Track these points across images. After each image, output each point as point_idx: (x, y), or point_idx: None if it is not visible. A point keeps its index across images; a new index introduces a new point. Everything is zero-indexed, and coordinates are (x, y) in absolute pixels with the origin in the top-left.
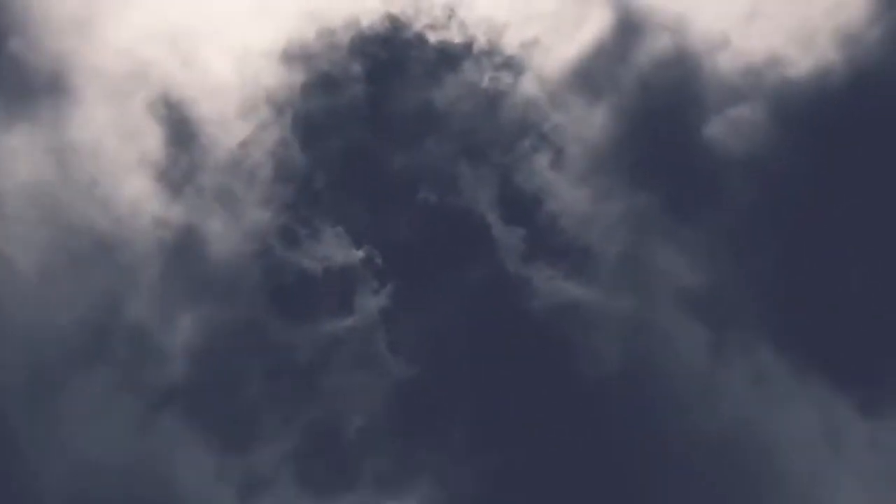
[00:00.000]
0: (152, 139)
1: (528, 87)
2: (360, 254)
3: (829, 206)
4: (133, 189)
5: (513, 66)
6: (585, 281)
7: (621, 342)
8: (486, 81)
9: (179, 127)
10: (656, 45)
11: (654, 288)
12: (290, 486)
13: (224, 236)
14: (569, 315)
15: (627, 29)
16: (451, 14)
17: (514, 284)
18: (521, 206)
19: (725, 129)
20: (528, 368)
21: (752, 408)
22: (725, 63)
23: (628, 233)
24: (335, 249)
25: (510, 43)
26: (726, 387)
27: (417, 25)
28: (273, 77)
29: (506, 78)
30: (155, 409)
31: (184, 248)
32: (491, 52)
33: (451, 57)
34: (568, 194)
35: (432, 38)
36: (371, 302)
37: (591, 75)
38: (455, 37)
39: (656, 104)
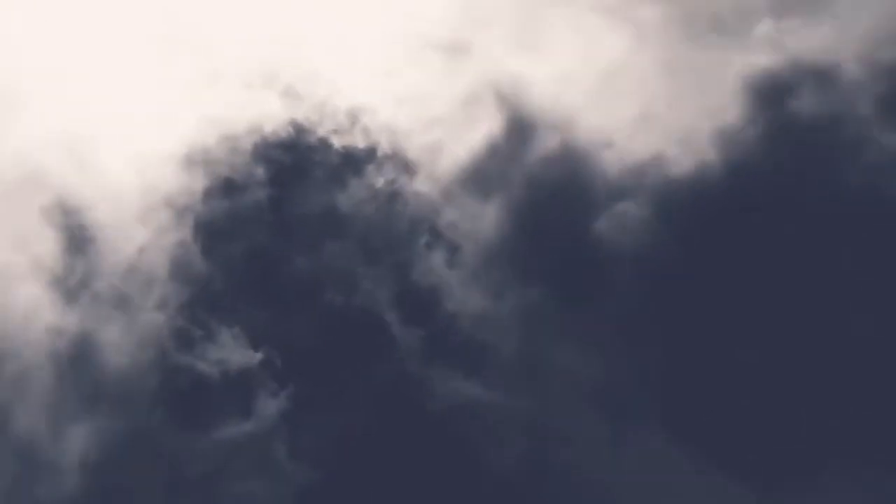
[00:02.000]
0: (47, 245)
1: (422, 186)
2: (259, 355)
3: (711, 296)
4: (26, 297)
5: (408, 166)
6: (484, 380)
7: (520, 440)
8: (381, 183)
9: (75, 232)
10: (545, 145)
11: (552, 384)
12: None
13: (119, 343)
14: (469, 414)
15: (517, 129)
16: (354, 120)
17: (414, 385)
18: (419, 305)
19: (612, 224)
20: (430, 467)
21: (649, 496)
22: (611, 161)
23: (523, 329)
24: (232, 352)
25: (412, 146)
26: (623, 475)
27: (321, 131)
28: (174, 182)
29: (401, 178)
30: None
31: (78, 357)
32: (394, 155)
33: (355, 161)
34: (464, 292)
35: (336, 142)
36: (270, 405)
37: (482, 174)
38: (359, 142)
39: (546, 201)
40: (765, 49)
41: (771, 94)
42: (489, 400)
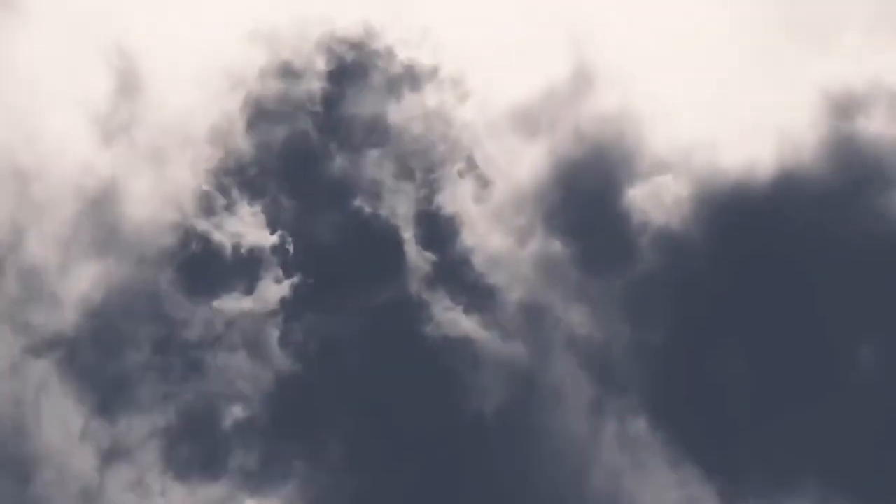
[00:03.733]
0: (97, 81)
1: (470, 111)
2: (273, 238)
3: (728, 293)
4: (65, 126)
5: (464, 91)
6: (485, 319)
7: (504, 386)
8: (434, 103)
9: (128, 76)
10: (601, 102)
11: (549, 339)
12: (153, 463)
13: (145, 196)
14: (460, 349)
15: (579, 79)
16: (425, 34)
17: (414, 307)
18: (438, 230)
19: (647, 194)
20: (411, 391)
21: (619, 474)
22: (663, 134)
23: (534, 279)
24: (249, 228)
25: (474, 72)
26: (599, 448)
27: (390, 38)
28: (234, 52)
29: (451, 100)
30: (34, 353)
31: (101, 198)
32: (455, 79)
33: (415, 76)
34: (484, 228)
35: (402, 53)
36: (273, 290)
37: (532, 115)
38: (424, 57)
39: (588, 157)
40: (848, 60)
41: (843, 105)
42: (484, 340)
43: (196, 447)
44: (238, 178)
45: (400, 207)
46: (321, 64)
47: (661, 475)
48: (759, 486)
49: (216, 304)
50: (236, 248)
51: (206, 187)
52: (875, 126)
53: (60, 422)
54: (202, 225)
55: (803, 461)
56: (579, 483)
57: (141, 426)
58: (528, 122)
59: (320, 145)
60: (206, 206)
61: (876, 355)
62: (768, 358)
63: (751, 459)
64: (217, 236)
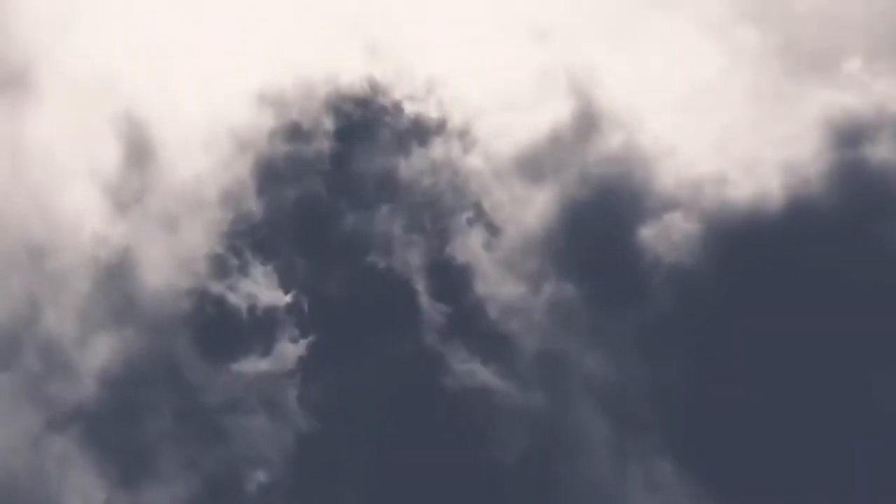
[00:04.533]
0: (108, 152)
1: (476, 160)
2: (287, 298)
3: (744, 327)
4: (78, 199)
5: (469, 140)
6: (502, 368)
7: (526, 434)
8: (443, 155)
9: (138, 145)
10: (607, 143)
11: (567, 384)
12: None
13: (159, 263)
14: (480, 400)
15: (583, 122)
16: (431, 88)
17: (431, 359)
18: (450, 281)
19: (658, 233)
20: (431, 444)
21: None
22: (670, 171)
23: (549, 324)
24: (262, 289)
25: (481, 124)
26: (625, 492)
27: (397, 93)
28: (242, 116)
29: (457, 150)
30: (54, 427)
31: (117, 268)
32: (463, 131)
33: (423, 130)
34: (496, 276)
35: (409, 108)
36: (289, 349)
37: (538, 160)
38: (432, 111)
39: (596, 198)
40: (850, 88)
41: (848, 134)
42: (503, 389)
43: None
44: (250, 240)
45: (412, 260)
46: (329, 123)
47: None
48: None
49: (234, 367)
50: (251, 309)
51: (218, 250)
52: (881, 152)
53: (83, 495)
54: (216, 288)
55: (832, 492)
56: None
57: (164, 496)
58: (534, 167)
59: (331, 204)
60: (220, 269)
61: (893, 383)
62: (789, 389)
63: (780, 494)
64: (232, 298)
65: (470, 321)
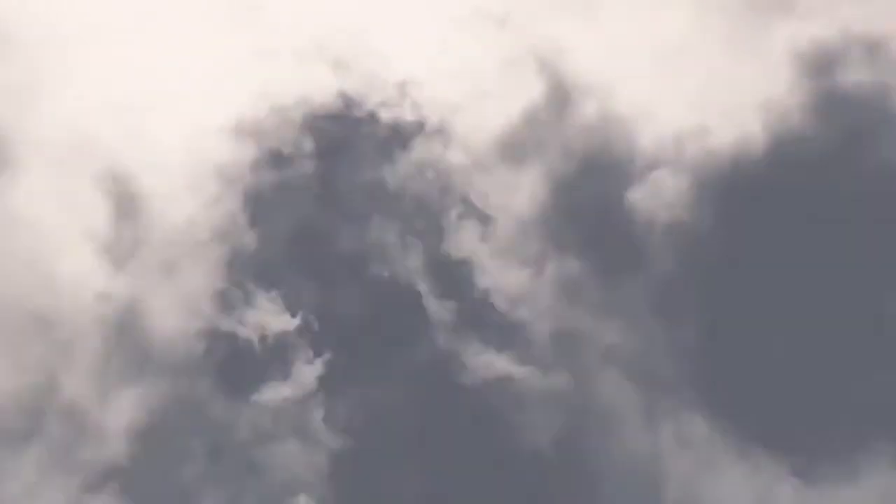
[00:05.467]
0: (97, 212)
1: (456, 155)
2: (296, 321)
3: (747, 273)
4: (75, 263)
5: (449, 137)
6: (518, 354)
7: (556, 416)
8: (425, 155)
9: (125, 200)
10: (583, 114)
11: (587, 359)
12: None
13: (165, 309)
14: (503, 389)
15: (556, 97)
16: (403, 93)
17: (446, 358)
18: (451, 278)
19: (647, 193)
20: (463, 443)
21: (689, 478)
22: (650, 131)
23: (557, 303)
24: (270, 316)
25: (458, 120)
26: (662, 455)
27: (370, 103)
28: (223, 153)
29: (438, 148)
30: (91, 490)
31: (125, 323)
32: (441, 129)
33: (402, 134)
34: (496, 266)
35: (384, 115)
36: (307, 371)
37: (518, 143)
38: (407, 115)
39: (581, 170)
40: (815, 16)
41: (818, 64)
42: (523, 375)
43: None
44: (251, 272)
45: (410, 264)
46: (308, 144)
47: (730, 468)
48: (832, 455)
49: (256, 397)
50: (262, 338)
51: (221, 286)
52: (852, 75)
53: None
54: (225, 324)
55: (871, 421)
56: (653, 496)
57: None
58: (514, 151)
59: (324, 222)
60: (225, 305)
61: None
62: (803, 328)
63: (817, 431)
64: (242, 331)
65: (478, 314)
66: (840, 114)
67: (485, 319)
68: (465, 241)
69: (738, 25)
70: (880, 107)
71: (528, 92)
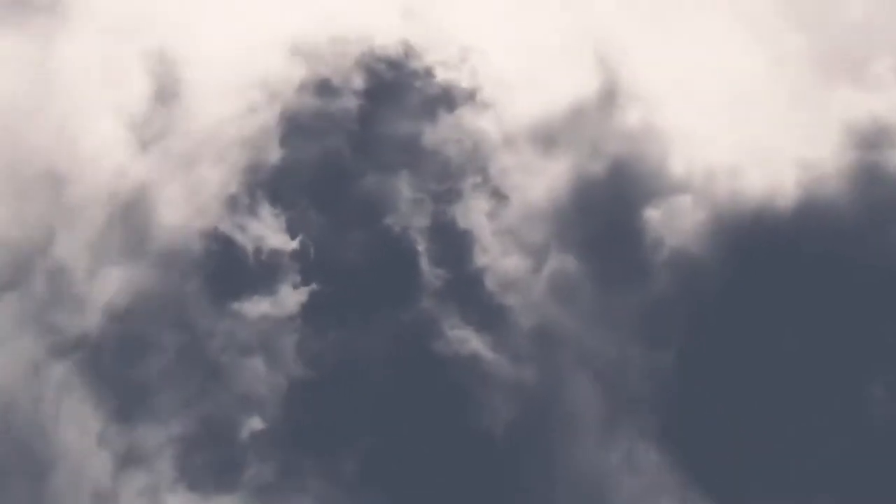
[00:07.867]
0: (135, 89)
1: (489, 123)
2: (294, 244)
3: (744, 319)
4: (101, 133)
5: (489, 107)
6: (496, 339)
7: (514, 407)
8: (468, 124)
9: (166, 84)
10: (626, 120)
11: (561, 359)
12: (168, 470)
13: (176, 202)
14: (470, 368)
15: (605, 96)
16: (465, 57)
17: (425, 323)
18: (451, 246)
19: (664, 214)
20: (422, 406)
21: (626, 495)
22: (685, 154)
23: (547, 298)
24: (270, 232)
25: (504, 94)
26: (606, 470)
27: (429, 59)
28: (273, 66)
29: (478, 117)
30: (56, 355)
31: (132, 204)
32: (490, 103)
33: (452, 98)
34: (497, 245)
35: (440, 74)
36: (291, 295)
37: (552, 130)
38: (463, 80)
39: (607, 175)
40: (874, 90)
41: (869, 136)
42: (494, 360)
43: (212, 458)
44: (266, 185)
45: (417, 222)
46: (359, 82)
47: (670, 500)
48: None
49: (236, 306)
50: (257, 251)
51: (232, 190)
52: None
53: (78, 424)
54: (225, 225)
55: (816, 486)
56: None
57: (158, 434)
58: (548, 137)
59: (352, 162)
60: (231, 207)
61: (890, 389)
62: (783, 385)
63: (761, 486)
64: (239, 237)
65: (467, 289)
66: (877, 190)
67: (472, 296)
68: (473, 212)
69: (804, 82)
70: None
71: (579, 84)
